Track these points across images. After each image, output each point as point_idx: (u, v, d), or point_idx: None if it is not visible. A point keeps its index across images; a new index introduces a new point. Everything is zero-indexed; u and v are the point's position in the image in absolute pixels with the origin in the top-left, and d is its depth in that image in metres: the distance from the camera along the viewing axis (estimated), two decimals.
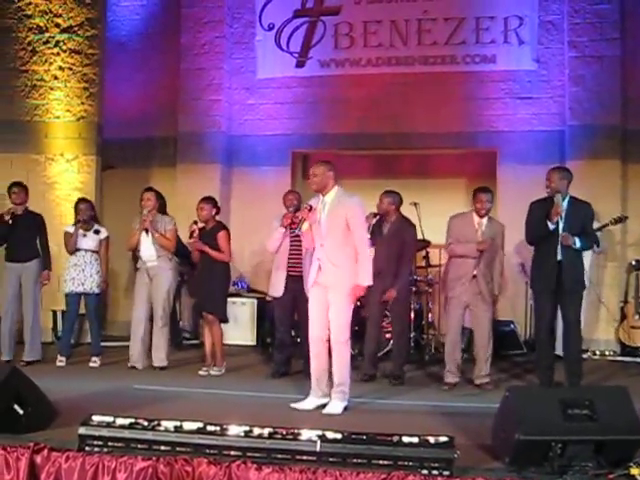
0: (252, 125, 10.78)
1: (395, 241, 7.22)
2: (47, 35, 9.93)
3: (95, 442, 4.25)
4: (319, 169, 5.90)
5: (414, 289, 8.67)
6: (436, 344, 8.73)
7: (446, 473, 3.90)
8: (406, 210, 8.17)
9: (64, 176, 9.89)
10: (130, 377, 7.24)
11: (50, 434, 4.68)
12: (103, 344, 8.27)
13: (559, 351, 7.08)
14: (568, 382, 6.55)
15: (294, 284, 7.02)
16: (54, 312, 9.52)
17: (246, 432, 4.23)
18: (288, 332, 7.56)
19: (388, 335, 7.78)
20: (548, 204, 6.53)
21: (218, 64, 10.73)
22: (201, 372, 7.51)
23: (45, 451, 4.10)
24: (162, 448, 4.21)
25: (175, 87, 10.74)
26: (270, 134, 10.68)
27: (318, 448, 4.08)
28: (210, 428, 4.28)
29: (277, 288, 7.26)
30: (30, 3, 9.95)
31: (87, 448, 4.23)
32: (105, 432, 4.28)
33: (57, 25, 9.94)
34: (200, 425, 4.30)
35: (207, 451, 4.15)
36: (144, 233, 7.69)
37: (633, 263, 9.28)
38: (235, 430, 4.25)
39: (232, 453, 4.13)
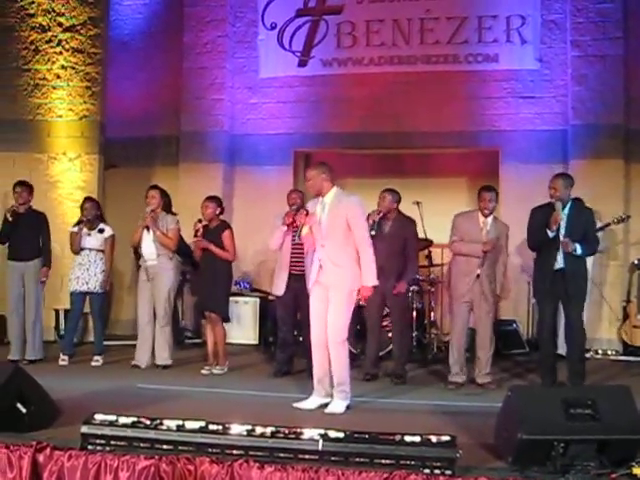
0: (255, 124, 10.79)
1: (397, 239, 7.24)
2: (50, 34, 9.94)
3: (98, 441, 4.25)
4: (312, 173, 5.91)
5: (417, 288, 8.68)
6: (438, 343, 8.73)
7: (448, 472, 3.90)
8: (408, 209, 8.18)
9: (67, 175, 9.90)
10: (133, 376, 7.24)
11: (53, 433, 4.68)
12: (106, 343, 8.26)
13: (562, 350, 7.09)
14: (571, 382, 6.55)
15: (296, 283, 7.01)
16: (56, 311, 9.53)
17: (248, 431, 4.23)
18: (290, 331, 7.56)
19: (390, 334, 7.78)
20: (549, 210, 6.53)
21: (221, 63, 10.74)
22: (203, 371, 7.51)
23: (48, 450, 4.11)
24: (164, 447, 4.20)
25: (178, 86, 10.75)
26: (272, 133, 10.68)
27: (320, 447, 4.08)
28: (212, 427, 4.28)
29: (279, 287, 7.26)
30: (33, 2, 9.97)
31: (90, 447, 4.23)
32: (108, 431, 4.28)
33: (60, 24, 9.96)
34: (202, 424, 4.30)
35: (209, 450, 4.15)
36: (145, 231, 7.70)
37: (635, 262, 9.28)
38: (237, 429, 4.25)
39: (234, 452, 4.12)
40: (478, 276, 6.90)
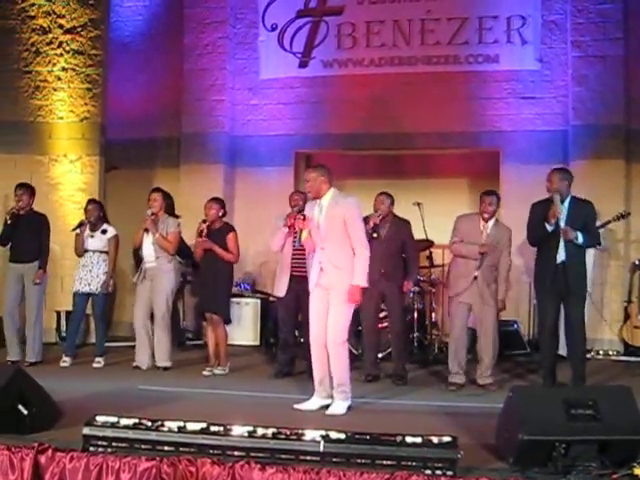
0: (255, 125, 10.79)
1: (394, 241, 7.26)
2: (50, 36, 9.95)
3: (99, 442, 4.26)
4: (311, 174, 5.91)
5: (417, 289, 8.68)
6: (439, 344, 8.73)
7: (449, 473, 3.90)
8: (409, 210, 8.19)
9: (68, 177, 9.91)
10: (134, 377, 7.25)
11: (54, 434, 4.68)
12: (108, 344, 8.27)
13: (563, 351, 7.09)
14: (572, 382, 6.55)
15: (298, 284, 7.01)
16: (58, 313, 9.54)
17: (250, 432, 4.23)
18: (292, 332, 7.57)
19: (390, 335, 7.78)
20: (548, 205, 6.53)
21: (221, 65, 10.75)
22: (205, 372, 7.52)
23: (49, 451, 4.11)
24: (166, 448, 4.21)
25: (178, 88, 10.76)
26: (273, 134, 10.69)
27: (322, 448, 4.08)
28: (214, 428, 4.28)
29: (281, 288, 7.27)
30: (33, 4, 9.97)
31: (91, 448, 4.23)
32: (109, 432, 4.28)
33: (60, 26, 9.96)
34: (204, 425, 4.31)
35: (211, 451, 4.15)
36: (145, 233, 7.71)
37: (637, 263, 9.29)
38: (239, 430, 4.25)
39: (236, 453, 4.12)
40: (475, 278, 6.90)
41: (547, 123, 9.92)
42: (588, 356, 7.74)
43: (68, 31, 9.96)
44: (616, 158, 9.41)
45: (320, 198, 5.87)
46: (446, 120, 10.06)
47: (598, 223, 7.74)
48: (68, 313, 8.75)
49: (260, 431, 4.23)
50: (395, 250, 7.27)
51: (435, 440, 4.08)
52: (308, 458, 4.07)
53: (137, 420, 4.40)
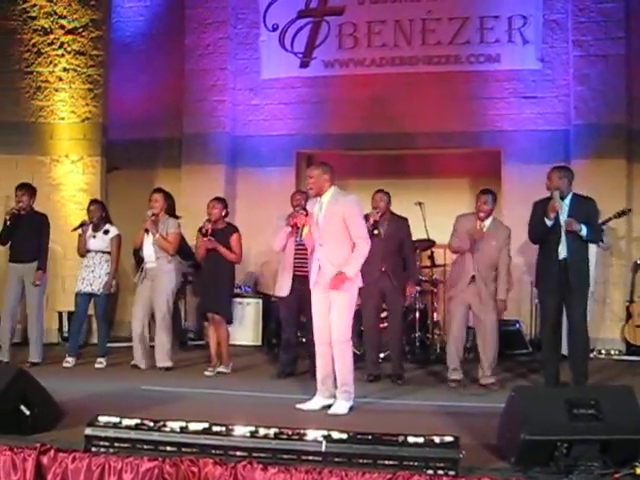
0: (256, 126, 10.80)
1: (393, 239, 7.29)
2: (52, 37, 9.96)
3: (101, 443, 4.26)
4: (315, 171, 5.91)
5: (419, 289, 8.69)
6: (441, 344, 8.72)
7: (451, 473, 3.90)
8: (411, 210, 8.19)
9: (69, 177, 9.92)
10: (136, 378, 7.25)
11: (56, 435, 4.68)
12: (110, 345, 8.27)
13: (565, 351, 7.08)
14: (574, 382, 6.54)
15: (300, 284, 7.00)
16: (60, 313, 9.54)
17: (252, 432, 4.23)
18: (294, 332, 7.57)
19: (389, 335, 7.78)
20: (549, 203, 6.52)
21: (222, 65, 10.75)
22: (207, 372, 7.53)
23: (51, 452, 4.11)
24: (168, 449, 4.21)
25: (179, 88, 10.76)
26: (274, 134, 10.69)
27: (324, 448, 4.08)
28: (216, 429, 4.28)
29: (283, 288, 7.27)
30: (35, 5, 9.98)
31: (93, 449, 4.23)
32: (111, 433, 4.29)
33: (62, 27, 9.98)
34: (206, 426, 4.31)
35: (213, 451, 4.15)
36: (146, 233, 7.72)
37: (639, 262, 9.27)
38: (241, 430, 4.25)
39: (238, 453, 4.13)
40: (473, 277, 6.90)
41: (549, 122, 9.92)
42: (590, 355, 7.73)
43: (69, 32, 9.98)
44: (618, 157, 9.41)
45: (321, 196, 5.87)
46: (447, 120, 10.06)
47: (600, 220, 7.73)
48: (70, 313, 8.76)
49: (262, 431, 4.24)
50: (395, 248, 7.29)
51: (437, 440, 4.08)
52: (310, 458, 4.07)
53: (139, 420, 4.40)
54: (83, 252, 7.99)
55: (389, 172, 10.61)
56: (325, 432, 4.20)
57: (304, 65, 10.70)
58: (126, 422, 4.37)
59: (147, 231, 7.69)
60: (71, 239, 8.31)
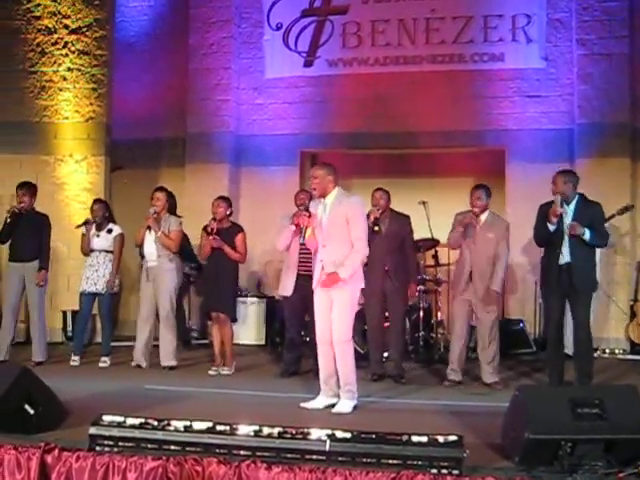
0: (260, 125, 10.81)
1: (394, 237, 7.29)
2: (56, 36, 9.98)
3: (105, 442, 4.26)
4: (319, 172, 5.88)
5: (423, 288, 8.70)
6: (445, 343, 8.71)
7: (455, 472, 3.89)
8: (415, 209, 8.18)
9: (73, 177, 9.93)
10: (140, 377, 7.25)
11: (61, 434, 4.69)
12: (114, 344, 8.27)
13: (569, 350, 7.07)
14: (578, 381, 6.53)
15: (304, 283, 7.00)
16: (64, 312, 9.55)
17: (256, 432, 4.23)
18: (298, 331, 7.57)
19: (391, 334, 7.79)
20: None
21: (226, 64, 10.77)
22: (211, 372, 7.53)
23: (56, 451, 4.11)
24: (172, 448, 4.21)
25: (183, 87, 10.78)
26: (278, 134, 10.70)
27: (327, 447, 4.08)
28: (220, 428, 4.28)
29: (287, 287, 7.28)
30: (39, 4, 10.00)
31: (97, 448, 4.24)
32: (115, 432, 4.29)
33: (66, 26, 9.99)
34: (210, 425, 4.31)
35: (217, 451, 4.15)
36: (148, 231, 7.72)
37: None
38: (245, 430, 4.25)
39: (242, 453, 4.12)
40: (471, 274, 6.90)
41: (552, 121, 9.92)
42: (594, 355, 7.72)
43: (73, 31, 9.99)
44: (622, 156, 9.40)
45: (325, 197, 5.86)
46: (451, 119, 10.06)
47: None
48: (74, 313, 8.77)
49: (266, 430, 4.23)
50: (396, 245, 7.29)
51: (441, 439, 4.08)
52: (314, 457, 4.06)
53: (143, 419, 4.40)
54: (87, 251, 8.00)
55: (393, 171, 10.61)
56: (329, 431, 4.19)
57: (308, 64, 10.70)
58: (130, 421, 4.37)
59: (149, 229, 7.70)
60: (76, 238, 8.31)
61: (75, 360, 7.91)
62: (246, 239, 7.64)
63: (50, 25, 9.99)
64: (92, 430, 4.30)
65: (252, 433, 4.22)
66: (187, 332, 9.84)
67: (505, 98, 10.05)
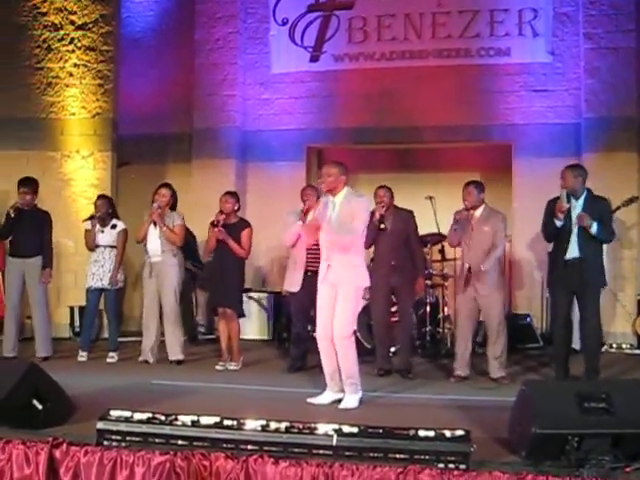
0: (267, 120, 10.80)
1: (399, 233, 7.27)
2: (62, 32, 10.00)
3: (113, 437, 4.27)
4: (334, 170, 5.86)
5: (430, 283, 8.70)
6: (452, 338, 8.68)
7: (462, 467, 3.89)
8: (421, 204, 8.17)
9: (80, 173, 9.95)
10: (147, 372, 7.27)
11: (69, 429, 4.71)
12: (121, 339, 8.29)
13: (576, 344, 7.06)
14: (585, 375, 6.53)
15: (311, 279, 7.00)
16: (71, 308, 9.58)
17: (263, 426, 4.24)
18: (304, 327, 7.57)
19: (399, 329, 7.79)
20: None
21: (232, 59, 10.76)
22: (218, 367, 7.54)
23: (64, 446, 4.13)
24: (179, 443, 4.22)
25: (190, 83, 10.77)
26: (285, 129, 10.70)
27: (334, 442, 4.09)
28: (227, 422, 4.29)
29: (294, 283, 7.28)
30: (45, 1, 10.04)
31: (105, 443, 4.25)
32: (123, 427, 4.30)
33: (72, 22, 10.01)
34: (217, 420, 4.32)
35: (224, 445, 4.16)
36: (152, 226, 7.73)
37: None
38: (252, 424, 4.26)
39: (249, 447, 4.13)
40: (469, 269, 6.89)
41: (559, 116, 9.89)
42: (601, 350, 7.71)
43: (79, 27, 10.01)
44: (629, 151, 9.37)
45: (334, 195, 5.86)
46: (458, 114, 10.04)
47: None
48: (81, 308, 8.79)
49: (273, 425, 4.24)
50: (402, 241, 7.27)
51: (448, 434, 4.08)
52: (321, 452, 4.07)
53: (151, 414, 4.41)
54: (92, 246, 8.01)
55: (399, 166, 10.61)
56: (336, 426, 4.20)
57: (314, 59, 10.69)
58: (138, 416, 4.38)
59: (154, 224, 7.70)
60: (82, 234, 8.32)
61: (83, 356, 7.94)
62: (252, 235, 7.63)
63: (56, 21, 10.01)
64: (100, 425, 4.31)
65: (259, 428, 4.23)
66: (194, 327, 9.85)
67: (512, 93, 10.03)
